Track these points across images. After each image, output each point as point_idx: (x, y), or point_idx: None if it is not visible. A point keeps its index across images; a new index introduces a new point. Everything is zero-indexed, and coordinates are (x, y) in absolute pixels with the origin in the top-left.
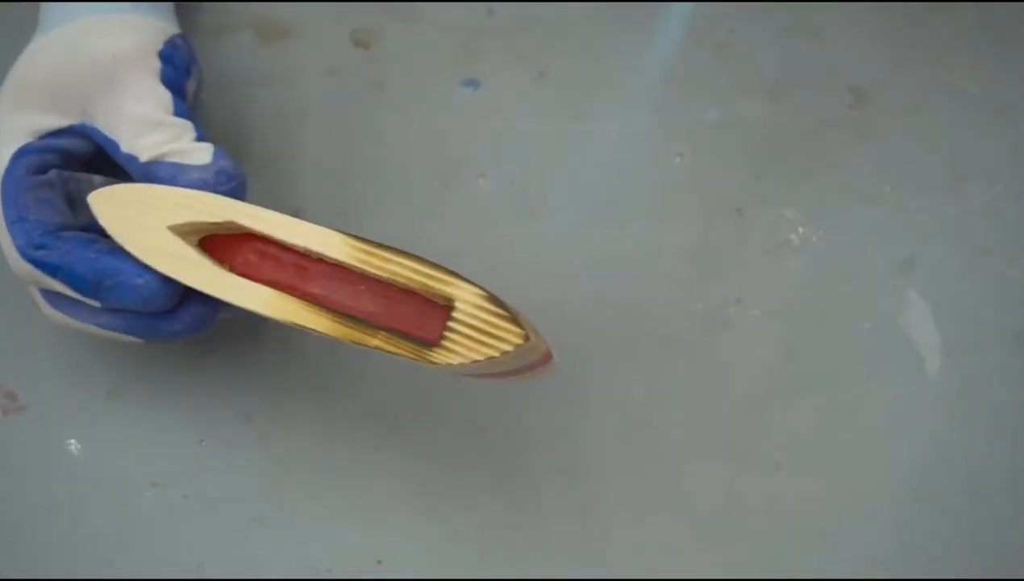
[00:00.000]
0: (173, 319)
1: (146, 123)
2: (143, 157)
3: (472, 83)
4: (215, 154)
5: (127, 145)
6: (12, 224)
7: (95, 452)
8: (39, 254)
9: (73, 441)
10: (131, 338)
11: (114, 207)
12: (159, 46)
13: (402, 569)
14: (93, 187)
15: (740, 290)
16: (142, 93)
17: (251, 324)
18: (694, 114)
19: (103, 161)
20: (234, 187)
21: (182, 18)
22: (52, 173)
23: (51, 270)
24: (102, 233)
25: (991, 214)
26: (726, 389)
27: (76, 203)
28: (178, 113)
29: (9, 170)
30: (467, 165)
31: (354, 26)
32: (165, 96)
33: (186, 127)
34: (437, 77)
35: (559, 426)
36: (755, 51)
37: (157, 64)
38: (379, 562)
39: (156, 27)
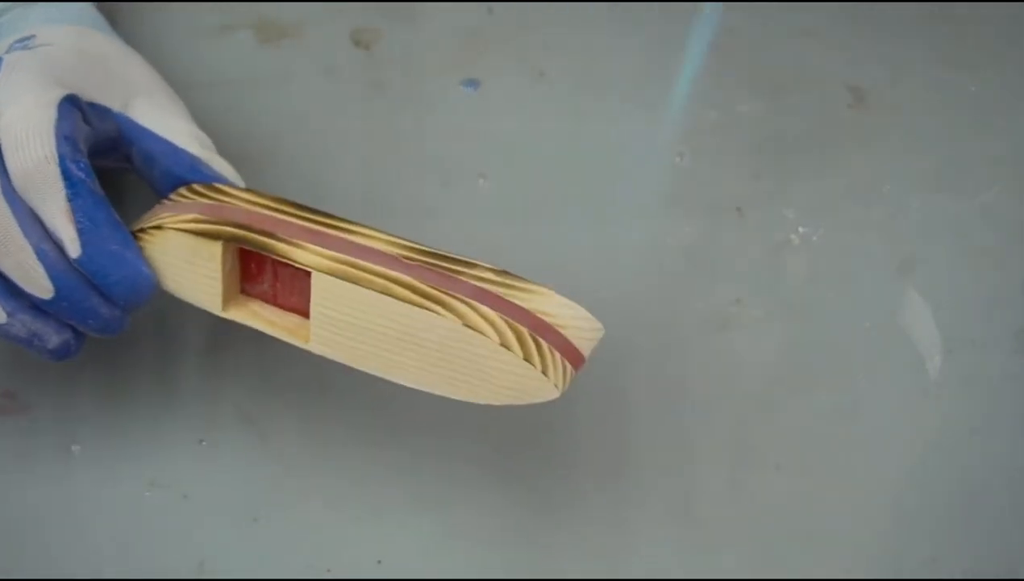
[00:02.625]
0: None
1: (184, 131)
2: (181, 143)
3: (472, 83)
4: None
5: (173, 137)
6: (63, 138)
7: (95, 452)
8: (77, 172)
9: (74, 442)
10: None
11: (165, 255)
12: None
13: (402, 569)
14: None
15: (740, 290)
16: (183, 112)
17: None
18: (694, 114)
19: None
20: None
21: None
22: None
23: (75, 186)
24: None
25: (991, 214)
26: (726, 389)
27: None
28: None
29: (65, 105)
30: (467, 165)
31: (354, 26)
32: (194, 120)
33: (210, 144)
34: (437, 77)
35: (559, 426)
36: (755, 51)
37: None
38: (379, 562)
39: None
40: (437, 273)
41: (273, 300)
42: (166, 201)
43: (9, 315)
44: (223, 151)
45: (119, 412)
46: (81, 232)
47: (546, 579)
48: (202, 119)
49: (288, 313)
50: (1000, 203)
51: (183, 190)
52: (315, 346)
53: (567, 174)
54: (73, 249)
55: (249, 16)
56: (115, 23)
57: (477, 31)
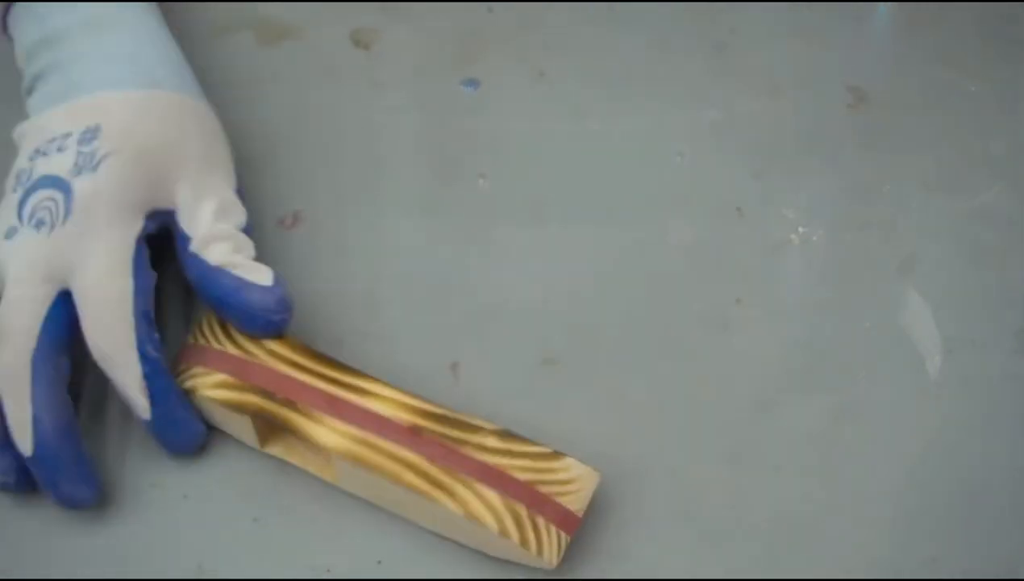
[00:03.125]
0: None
1: (222, 233)
2: (212, 260)
3: (472, 83)
4: (275, 278)
5: (197, 245)
6: (141, 316)
7: (95, 452)
8: (152, 351)
9: None
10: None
11: (202, 409)
12: (230, 153)
13: (402, 569)
14: None
15: (740, 290)
16: (225, 205)
17: None
18: (694, 114)
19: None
20: (285, 319)
21: (184, 18)
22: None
23: (155, 372)
24: None
25: (991, 214)
26: (726, 389)
27: None
28: (245, 230)
29: (139, 259)
30: (467, 165)
31: (354, 26)
32: (240, 212)
33: (250, 245)
34: (437, 77)
35: (558, 426)
36: (755, 51)
37: (234, 178)
38: (379, 562)
39: (216, 120)
40: (446, 448)
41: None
42: (192, 343)
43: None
44: None
45: (119, 412)
46: (153, 403)
47: (546, 579)
48: None
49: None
50: (1000, 203)
51: (206, 326)
52: (343, 486)
53: (567, 174)
54: (144, 414)
55: (249, 17)
56: None
57: (477, 31)
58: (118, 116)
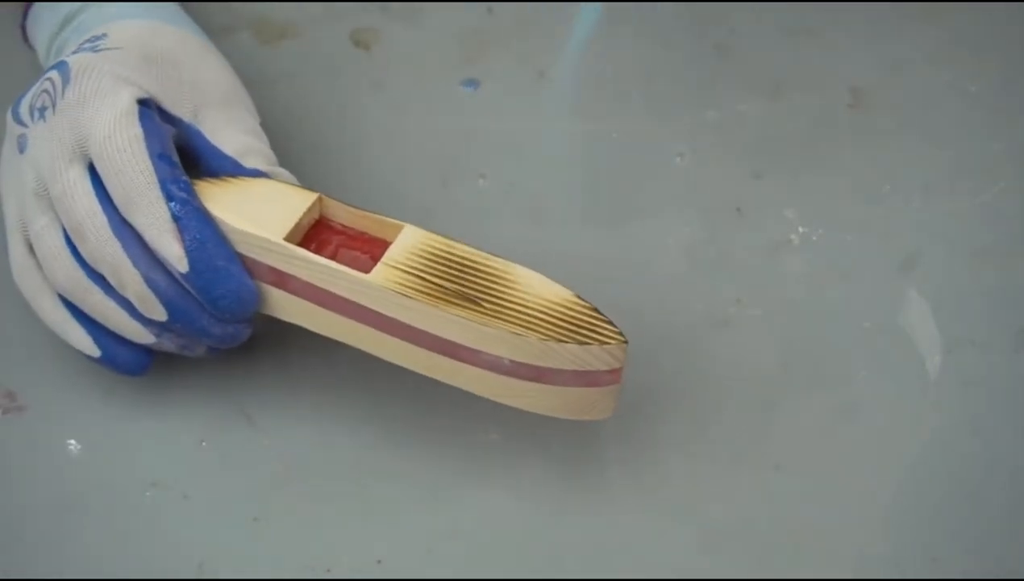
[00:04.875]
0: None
1: (255, 150)
2: (249, 165)
3: (472, 83)
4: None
5: (235, 154)
6: (157, 157)
7: (95, 452)
8: (179, 192)
9: (73, 441)
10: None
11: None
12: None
13: (402, 569)
14: None
15: (740, 290)
16: (252, 129)
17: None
18: (694, 114)
19: None
20: None
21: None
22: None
23: (180, 206)
24: None
25: (991, 214)
26: (726, 389)
27: None
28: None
29: (145, 113)
30: (467, 165)
31: (354, 27)
32: (265, 138)
33: (274, 160)
34: (437, 77)
35: (558, 426)
36: (755, 51)
37: (256, 114)
38: (379, 562)
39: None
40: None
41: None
42: None
43: (157, 336)
44: None
45: (119, 412)
46: (188, 250)
47: (546, 579)
48: None
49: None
50: (1000, 203)
51: None
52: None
53: (567, 174)
54: (181, 266)
55: (249, 17)
56: None
57: (477, 31)
58: (130, 30)
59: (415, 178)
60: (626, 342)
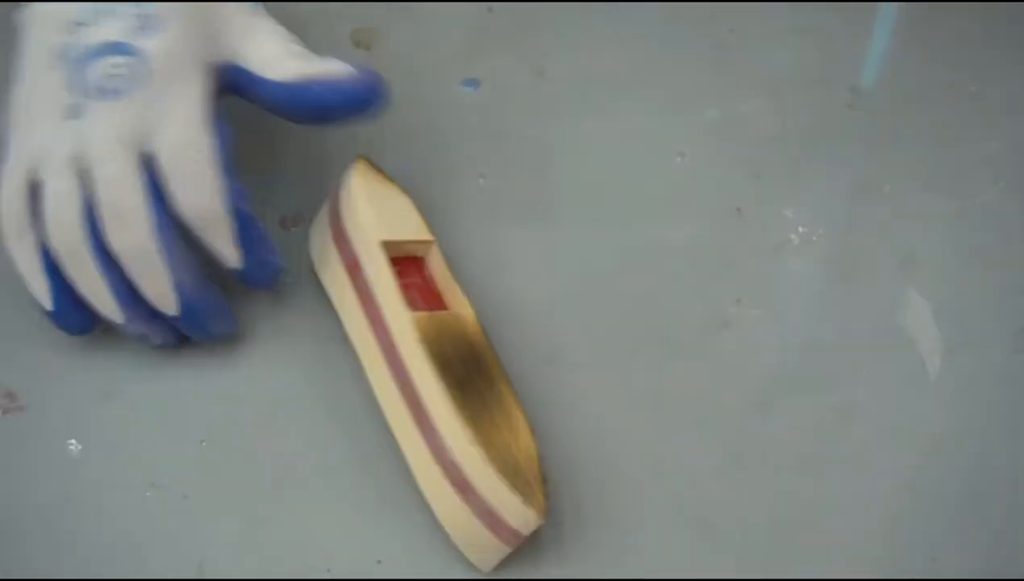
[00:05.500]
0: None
1: (290, 55)
2: (292, 77)
3: (472, 83)
4: (353, 67)
5: (276, 73)
6: (225, 172)
7: (95, 452)
8: (239, 200)
9: (73, 441)
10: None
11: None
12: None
13: (402, 569)
14: None
15: (740, 290)
16: (278, 35)
17: (250, 323)
18: (694, 114)
19: None
20: (383, 92)
21: None
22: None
23: (245, 222)
24: None
25: (991, 213)
26: (726, 389)
27: None
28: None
29: (214, 115)
30: (467, 165)
31: (354, 26)
32: (288, 34)
33: (311, 54)
34: (437, 77)
35: (559, 426)
36: (755, 51)
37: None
38: (379, 562)
39: None
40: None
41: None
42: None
43: (128, 320)
44: None
45: (119, 412)
46: (245, 253)
47: (545, 579)
48: None
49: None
50: (1000, 203)
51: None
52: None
53: (567, 174)
54: (235, 263)
55: None
56: None
57: (477, 31)
58: None
59: (416, 178)
60: (542, 521)
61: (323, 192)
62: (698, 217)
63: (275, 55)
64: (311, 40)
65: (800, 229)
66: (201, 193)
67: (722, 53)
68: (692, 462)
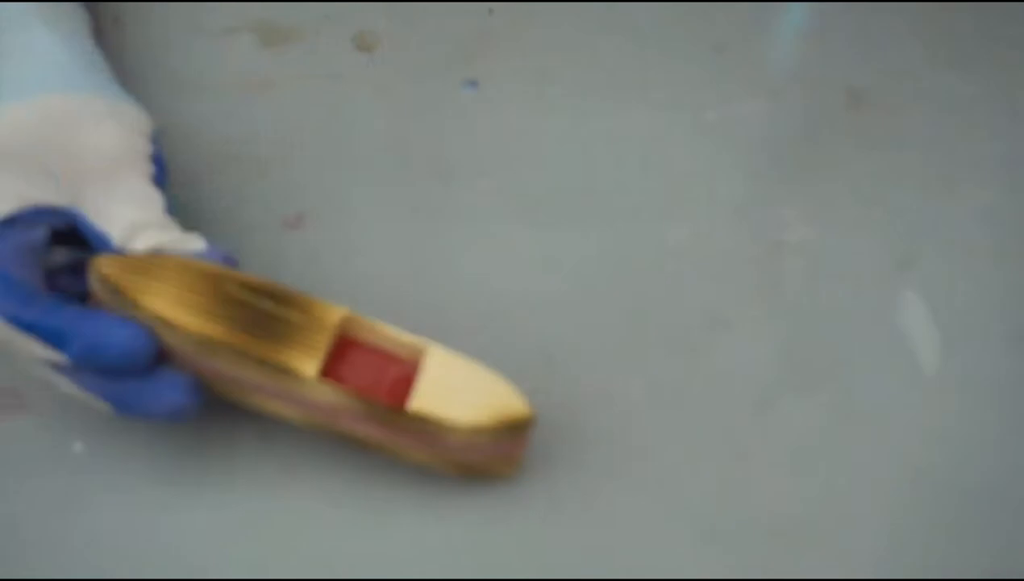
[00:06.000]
0: (153, 394)
1: (141, 225)
2: (141, 248)
3: (472, 83)
4: (206, 242)
5: (120, 242)
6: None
7: (97, 452)
8: (23, 314)
9: (77, 441)
10: (106, 405)
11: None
12: (150, 147)
13: (402, 569)
14: (55, 261)
15: (740, 290)
16: (140, 197)
17: None
18: (694, 114)
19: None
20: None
21: (186, 20)
22: (39, 239)
23: (27, 327)
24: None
25: (991, 214)
26: (726, 389)
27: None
28: (167, 211)
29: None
30: (467, 165)
31: (356, 30)
32: (158, 198)
33: (172, 224)
34: (437, 77)
35: (559, 426)
36: (755, 51)
37: (151, 168)
38: (379, 562)
39: (141, 119)
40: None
41: None
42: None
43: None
44: (224, 154)
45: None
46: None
47: (545, 579)
48: (204, 123)
49: None
50: (999, 203)
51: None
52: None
53: (567, 174)
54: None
55: (251, 19)
56: (119, 24)
57: (477, 31)
58: (13, 119)
59: (415, 178)
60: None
61: (323, 192)
62: (698, 217)
63: (126, 223)
64: (314, 43)
65: (800, 229)
66: None
67: (722, 53)
68: (691, 462)
